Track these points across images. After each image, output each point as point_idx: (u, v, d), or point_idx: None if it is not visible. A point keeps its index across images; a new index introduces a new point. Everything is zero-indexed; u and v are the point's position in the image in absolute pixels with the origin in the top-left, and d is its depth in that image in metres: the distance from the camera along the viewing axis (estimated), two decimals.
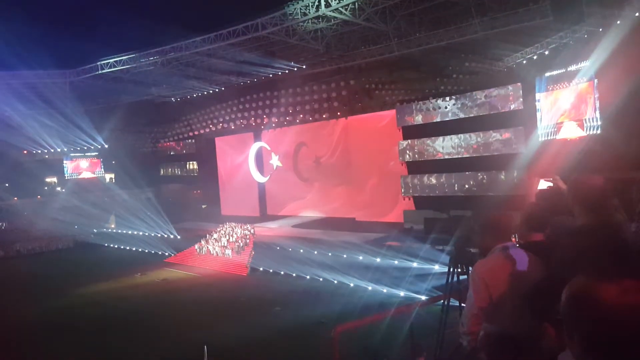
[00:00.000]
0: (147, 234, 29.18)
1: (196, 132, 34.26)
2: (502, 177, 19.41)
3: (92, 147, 35.98)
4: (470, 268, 5.55)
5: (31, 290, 19.48)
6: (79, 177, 36.82)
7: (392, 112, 23.49)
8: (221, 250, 24.05)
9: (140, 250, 26.75)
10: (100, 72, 29.57)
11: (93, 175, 37.14)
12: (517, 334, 2.62)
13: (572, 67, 16.34)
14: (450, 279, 6.02)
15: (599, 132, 15.78)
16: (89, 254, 26.43)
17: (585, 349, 1.31)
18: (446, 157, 21.53)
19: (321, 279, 18.17)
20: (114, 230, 32.26)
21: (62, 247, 28.78)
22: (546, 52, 17.60)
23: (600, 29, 14.87)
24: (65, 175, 36.66)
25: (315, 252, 20.85)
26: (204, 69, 28.66)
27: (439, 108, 21.64)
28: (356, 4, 20.37)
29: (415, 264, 17.68)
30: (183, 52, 26.83)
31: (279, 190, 30.56)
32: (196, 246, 25.21)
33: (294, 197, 29.46)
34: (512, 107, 19.28)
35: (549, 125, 17.35)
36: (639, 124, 12.75)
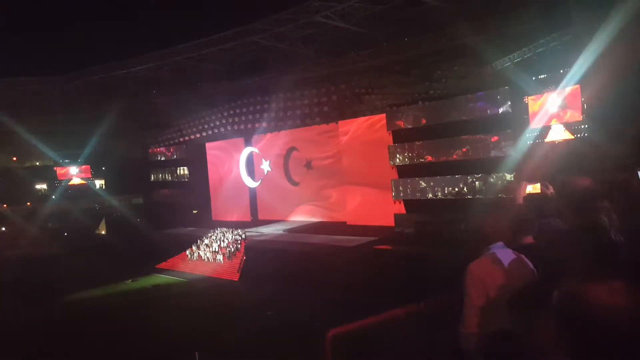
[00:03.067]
0: (137, 239, 29.02)
1: (187, 138, 34.16)
2: (492, 180, 19.53)
3: (82, 153, 35.77)
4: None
5: (21, 297, 19.33)
6: (69, 183, 36.59)
7: (383, 116, 23.59)
8: (212, 255, 23.98)
9: (130, 256, 26.58)
10: (90, 77, 29.50)
11: (83, 182, 36.93)
12: (510, 336, 2.67)
13: (560, 71, 16.51)
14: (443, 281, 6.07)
15: (586, 134, 15.97)
16: (79, 260, 26.25)
17: (577, 350, 1.36)
18: (436, 160, 21.65)
19: (314, 283, 18.17)
20: (104, 236, 32.08)
21: (52, 253, 28.53)
22: (534, 56, 17.76)
23: (587, 33, 15.03)
24: (55, 181, 36.41)
25: (308, 256, 20.85)
26: (194, 73, 28.68)
27: (429, 112, 21.76)
28: (346, 9, 20.49)
29: (407, 267, 17.70)
30: (174, 58, 26.84)
31: (270, 195, 30.56)
32: (187, 252, 25.13)
33: (285, 202, 29.47)
34: (501, 110, 19.44)
35: (537, 128, 17.51)
36: (625, 126, 12.91)
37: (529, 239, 3.34)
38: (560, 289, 1.52)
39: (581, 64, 14.96)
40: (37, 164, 36.85)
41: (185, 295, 19.35)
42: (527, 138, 17.75)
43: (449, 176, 21.16)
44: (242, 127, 30.22)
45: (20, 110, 30.22)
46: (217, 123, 31.65)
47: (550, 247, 2.95)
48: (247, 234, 26.48)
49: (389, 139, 23.42)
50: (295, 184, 29.15)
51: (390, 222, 23.13)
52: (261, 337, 13.17)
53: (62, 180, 36.47)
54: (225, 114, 31.03)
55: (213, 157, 34.05)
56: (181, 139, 34.71)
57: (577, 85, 16.01)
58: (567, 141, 16.28)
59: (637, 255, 2.64)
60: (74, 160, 36.45)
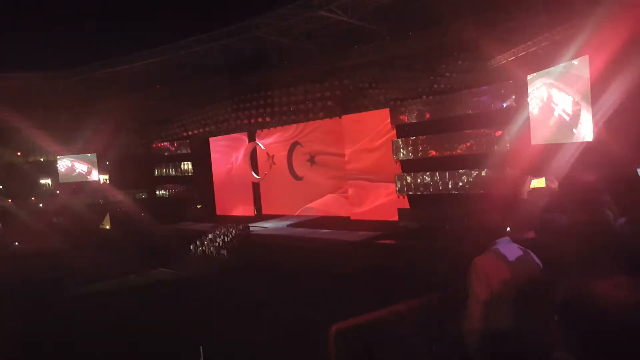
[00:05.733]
0: (141, 234, 29.07)
1: (190, 133, 34.22)
2: (496, 174, 19.48)
3: (86, 148, 35.82)
4: None
5: (25, 292, 19.40)
6: (73, 178, 36.70)
7: (386, 110, 23.54)
8: (216, 250, 24.01)
9: (134, 250, 26.63)
10: (93, 73, 29.50)
11: (87, 176, 37.01)
12: (514, 332, 2.64)
13: (564, 65, 16.39)
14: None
15: (591, 128, 15.85)
16: (83, 255, 26.33)
17: (583, 345, 1.34)
18: (440, 155, 21.60)
19: (316, 278, 18.16)
20: (108, 231, 32.15)
21: (56, 248, 28.63)
22: (538, 50, 17.66)
23: (593, 26, 14.91)
24: (59, 176, 36.53)
25: (310, 251, 20.87)
26: (197, 69, 28.66)
27: (433, 106, 21.71)
28: (349, 3, 20.43)
29: (410, 262, 17.68)
30: (177, 53, 26.82)
31: (273, 190, 30.59)
32: (191, 247, 25.18)
33: (288, 197, 29.47)
34: (505, 105, 19.36)
35: (540, 122, 17.42)
36: (632, 121, 12.82)
37: (530, 234, 3.32)
38: (564, 284, 1.50)
39: (587, 58, 14.86)
40: (41, 159, 36.97)
41: (188, 290, 19.37)
42: (531, 133, 17.66)
43: (453, 171, 21.13)
44: (245, 122, 30.26)
45: (24, 105, 30.25)
46: (221, 118, 31.68)
47: (554, 242, 2.93)
48: (251, 228, 26.53)
49: (392, 133, 23.39)
50: (298, 178, 29.15)
51: (394, 216, 23.12)
52: (265, 330, 13.18)
53: (66, 175, 36.58)
54: (229, 109, 31.06)
55: (217, 152, 34.06)
56: (184, 134, 34.76)
57: (583, 79, 15.89)
58: (572, 136, 16.18)
59: None
60: (77, 155, 36.51)
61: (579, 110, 15.79)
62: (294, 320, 13.75)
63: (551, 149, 15.79)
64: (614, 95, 13.16)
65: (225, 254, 23.47)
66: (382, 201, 24.16)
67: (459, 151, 20.91)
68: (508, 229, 3.17)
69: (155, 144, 37.37)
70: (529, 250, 3.02)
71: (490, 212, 3.29)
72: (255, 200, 31.90)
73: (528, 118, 17.78)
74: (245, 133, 31.57)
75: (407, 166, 22.84)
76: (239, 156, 32.26)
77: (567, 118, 16.42)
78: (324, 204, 27.86)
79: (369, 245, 20.37)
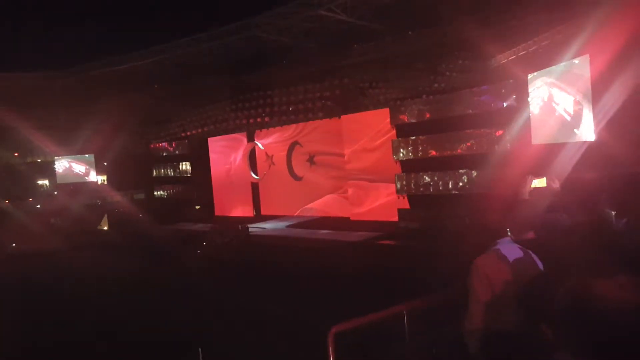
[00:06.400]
0: (139, 235, 29.04)
1: (189, 133, 34.17)
2: (497, 174, 19.42)
3: (84, 149, 35.78)
4: None
5: (24, 292, 19.33)
6: (71, 179, 36.65)
7: (386, 110, 23.48)
8: (215, 251, 23.96)
9: (132, 251, 26.59)
10: (91, 72, 29.45)
11: (85, 177, 36.98)
12: (515, 333, 2.62)
13: (565, 64, 16.34)
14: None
15: (592, 128, 15.79)
16: (82, 256, 26.28)
17: (583, 347, 1.28)
18: (440, 154, 21.55)
19: (315, 278, 18.10)
20: (106, 232, 32.10)
21: (55, 249, 28.62)
22: (539, 49, 17.61)
23: (594, 25, 14.85)
24: (57, 177, 36.50)
25: (309, 252, 20.81)
26: (196, 68, 28.63)
27: (433, 106, 21.66)
28: (349, 2, 20.39)
29: (411, 263, 17.63)
30: (175, 52, 26.78)
31: (273, 190, 30.53)
32: (189, 247, 25.12)
33: (288, 197, 29.42)
34: (505, 104, 19.32)
35: (541, 122, 17.37)
36: (633, 121, 12.76)
37: (530, 234, 3.28)
38: (566, 286, 1.45)
39: (587, 57, 14.80)
40: (39, 159, 36.98)
41: (188, 290, 19.30)
42: (532, 132, 17.61)
43: (453, 170, 21.07)
44: (244, 121, 30.21)
45: (21, 105, 30.19)
46: (220, 118, 31.64)
47: (556, 242, 2.88)
48: (250, 229, 26.46)
49: (392, 133, 23.33)
50: (298, 178, 29.09)
51: (395, 217, 23.06)
52: (263, 332, 13.10)
53: (64, 176, 36.54)
54: (228, 109, 31.02)
55: (215, 152, 34.02)
56: (183, 134, 34.70)
57: (584, 78, 15.83)
58: (573, 135, 16.13)
59: None
60: (75, 156, 36.49)
61: (581, 109, 15.71)
62: (294, 321, 13.66)
63: (552, 149, 15.72)
64: (615, 94, 13.10)
65: (224, 254, 23.40)
66: (382, 201, 24.11)
67: (459, 151, 20.85)
68: (508, 229, 3.13)
69: (153, 144, 37.32)
70: (529, 251, 2.99)
71: (491, 212, 3.26)
72: (254, 200, 31.84)
73: (529, 117, 17.72)
74: (244, 133, 31.51)
75: (407, 166, 22.78)
76: (238, 156, 32.20)
77: (569, 118, 16.34)
78: (324, 205, 27.77)
79: (369, 246, 20.30)
